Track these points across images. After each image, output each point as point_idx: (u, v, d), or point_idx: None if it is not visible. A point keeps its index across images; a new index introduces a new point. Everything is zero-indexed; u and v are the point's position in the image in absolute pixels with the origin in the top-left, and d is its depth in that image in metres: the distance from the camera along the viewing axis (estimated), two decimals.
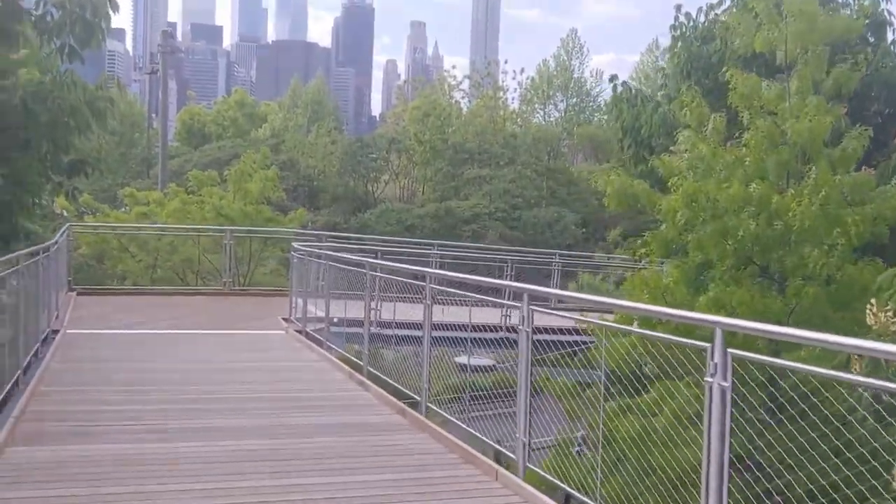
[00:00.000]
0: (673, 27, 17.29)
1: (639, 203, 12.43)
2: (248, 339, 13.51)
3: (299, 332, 14.02)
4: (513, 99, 73.67)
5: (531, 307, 6.68)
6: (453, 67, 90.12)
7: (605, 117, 72.83)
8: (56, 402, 8.67)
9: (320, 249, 14.22)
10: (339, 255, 13.13)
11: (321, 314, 13.20)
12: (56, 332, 13.00)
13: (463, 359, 14.59)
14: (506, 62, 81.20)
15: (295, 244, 14.93)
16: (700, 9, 17.18)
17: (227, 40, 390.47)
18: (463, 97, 74.56)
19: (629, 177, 13.14)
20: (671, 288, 11.84)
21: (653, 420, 9.01)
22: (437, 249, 19.16)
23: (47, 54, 12.61)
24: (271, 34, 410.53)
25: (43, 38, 11.91)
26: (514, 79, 77.59)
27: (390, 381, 9.72)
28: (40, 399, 8.72)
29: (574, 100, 73.88)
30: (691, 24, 17.20)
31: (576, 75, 73.60)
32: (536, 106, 74.32)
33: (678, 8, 17.25)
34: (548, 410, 8.46)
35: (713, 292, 11.01)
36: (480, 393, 9.17)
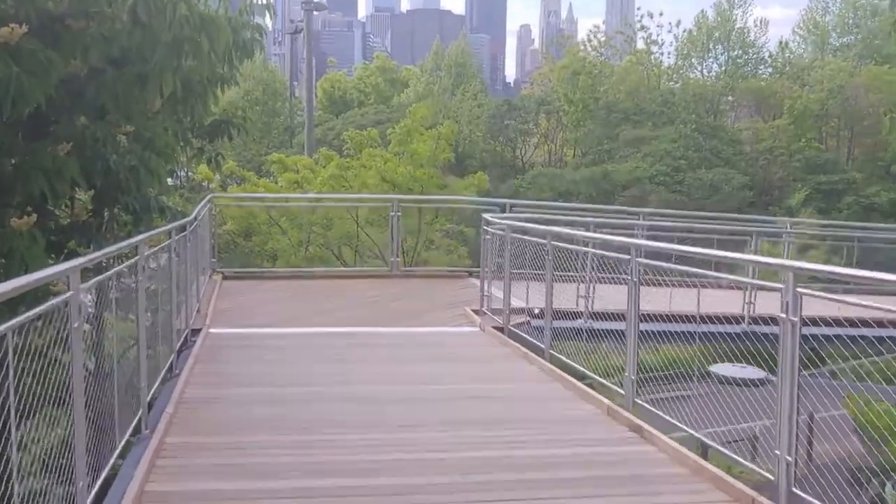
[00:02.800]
0: None
1: None
2: (439, 342, 10.38)
3: (498, 329, 10.81)
4: (668, 54, 68.40)
5: (799, 290, 5.02)
6: (595, 26, 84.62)
7: (770, 70, 66.98)
8: (183, 476, 5.68)
9: (526, 223, 10.93)
10: (572, 231, 9.80)
11: (533, 304, 10.00)
12: (197, 332, 10.26)
13: (723, 369, 11.08)
14: (661, 14, 75.13)
15: (487, 216, 11.70)
16: None
17: (362, 11, 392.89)
18: (613, 55, 69.73)
19: None
20: None
21: None
22: (644, 219, 15.55)
23: None
24: (405, 4, 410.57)
25: None
26: (669, 31, 71.66)
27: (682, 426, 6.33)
28: (163, 467, 5.75)
29: (736, 52, 67.68)
30: None
31: (738, 25, 67.44)
32: (693, 61, 68.67)
33: None
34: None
35: None
36: None
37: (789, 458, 5.07)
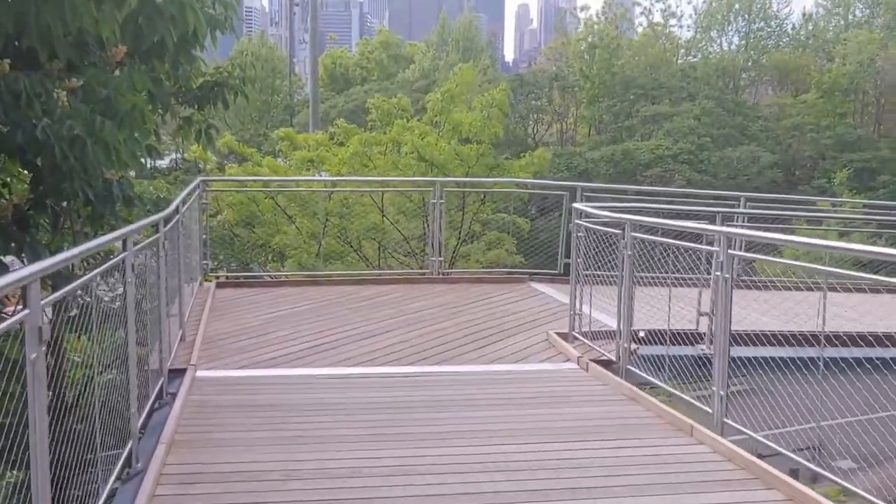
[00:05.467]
0: None
1: None
2: (537, 393, 7.09)
3: (603, 363, 7.67)
4: (687, 27, 64.99)
5: None
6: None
7: (794, 43, 63.50)
8: None
9: (630, 215, 7.75)
10: (759, 233, 6.60)
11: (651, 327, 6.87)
12: (178, 374, 7.11)
13: None
14: None
15: (581, 206, 8.50)
16: None
17: None
18: (629, 28, 66.25)
19: None
20: None
21: None
22: (745, 207, 12.33)
23: None
24: None
25: None
26: (689, 3, 68.16)
27: None
28: None
29: (758, 24, 64.26)
30: None
31: None
32: (713, 34, 65.29)
33: None
34: None
35: None
36: None
37: None
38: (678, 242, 7.12)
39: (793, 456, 5.42)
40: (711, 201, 12.68)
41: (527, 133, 59.42)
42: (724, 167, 49.76)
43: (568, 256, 11.99)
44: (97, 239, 4.67)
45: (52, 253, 10.46)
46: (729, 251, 6.09)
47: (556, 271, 12.15)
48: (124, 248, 5.16)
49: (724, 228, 6.90)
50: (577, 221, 8.50)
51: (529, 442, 5.80)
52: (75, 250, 4.66)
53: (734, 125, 53.78)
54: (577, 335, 8.53)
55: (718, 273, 6.17)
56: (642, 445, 5.81)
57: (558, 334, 8.71)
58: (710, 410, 6.07)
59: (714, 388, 6.05)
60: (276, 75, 58.48)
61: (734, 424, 5.87)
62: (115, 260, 5.10)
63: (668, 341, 7.30)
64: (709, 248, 6.62)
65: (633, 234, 7.30)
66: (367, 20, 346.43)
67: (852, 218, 17.72)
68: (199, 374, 7.25)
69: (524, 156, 18.35)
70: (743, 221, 11.55)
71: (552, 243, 12.88)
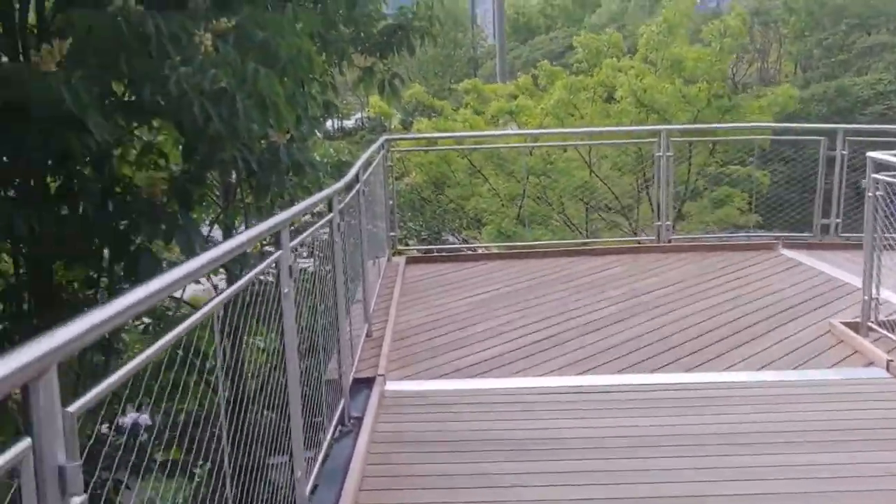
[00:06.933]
0: None
1: None
2: (842, 430, 5.04)
3: None
4: None
5: None
6: None
7: None
8: None
9: None
10: None
11: None
12: (363, 385, 5.64)
13: None
14: None
15: (878, 155, 6.32)
16: None
17: None
18: None
19: None
20: None
21: None
22: None
23: None
24: None
25: None
26: None
27: None
28: None
29: None
30: None
31: None
32: None
33: None
34: None
35: None
36: None
37: None
38: None
39: None
40: None
41: (725, 74, 55.07)
42: None
43: (826, 217, 9.73)
44: (238, 237, 3.17)
45: (227, 228, 9.26)
46: None
47: (811, 234, 9.88)
48: (278, 247, 3.63)
49: None
50: (874, 176, 6.30)
51: None
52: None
53: None
54: (874, 326, 6.40)
55: None
56: None
57: (845, 324, 6.59)
58: None
59: None
60: (458, 27, 57.01)
61: None
62: (269, 261, 3.58)
63: None
64: None
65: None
66: None
67: None
68: (389, 385, 5.73)
69: (764, 94, 15.71)
70: None
71: (801, 200, 10.59)
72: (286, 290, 3.55)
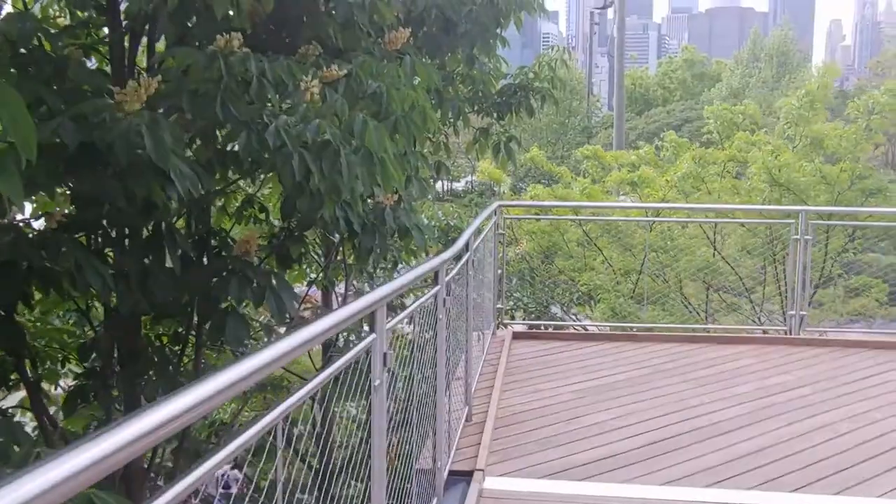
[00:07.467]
0: None
1: None
2: None
3: None
4: None
5: None
6: None
7: None
8: None
9: None
10: None
11: None
12: (459, 478, 5.02)
13: None
14: None
15: None
16: None
17: (658, 13, 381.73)
18: None
19: None
20: None
21: None
22: None
23: None
24: (704, 3, 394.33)
25: None
26: None
27: None
28: None
29: None
30: None
31: None
32: None
33: None
34: None
35: None
36: None
37: None
38: None
39: None
40: None
41: None
42: None
43: None
44: (324, 320, 2.62)
45: (326, 288, 8.79)
46: None
47: None
48: (372, 330, 3.07)
49: None
50: None
51: None
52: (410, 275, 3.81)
53: None
54: None
55: None
56: None
57: None
58: None
59: None
60: (574, 96, 56.83)
61: None
62: (360, 347, 3.02)
63: None
64: None
65: None
66: (665, 41, 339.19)
67: None
68: (488, 483, 5.07)
69: None
70: None
71: None
72: (377, 383, 2.98)
